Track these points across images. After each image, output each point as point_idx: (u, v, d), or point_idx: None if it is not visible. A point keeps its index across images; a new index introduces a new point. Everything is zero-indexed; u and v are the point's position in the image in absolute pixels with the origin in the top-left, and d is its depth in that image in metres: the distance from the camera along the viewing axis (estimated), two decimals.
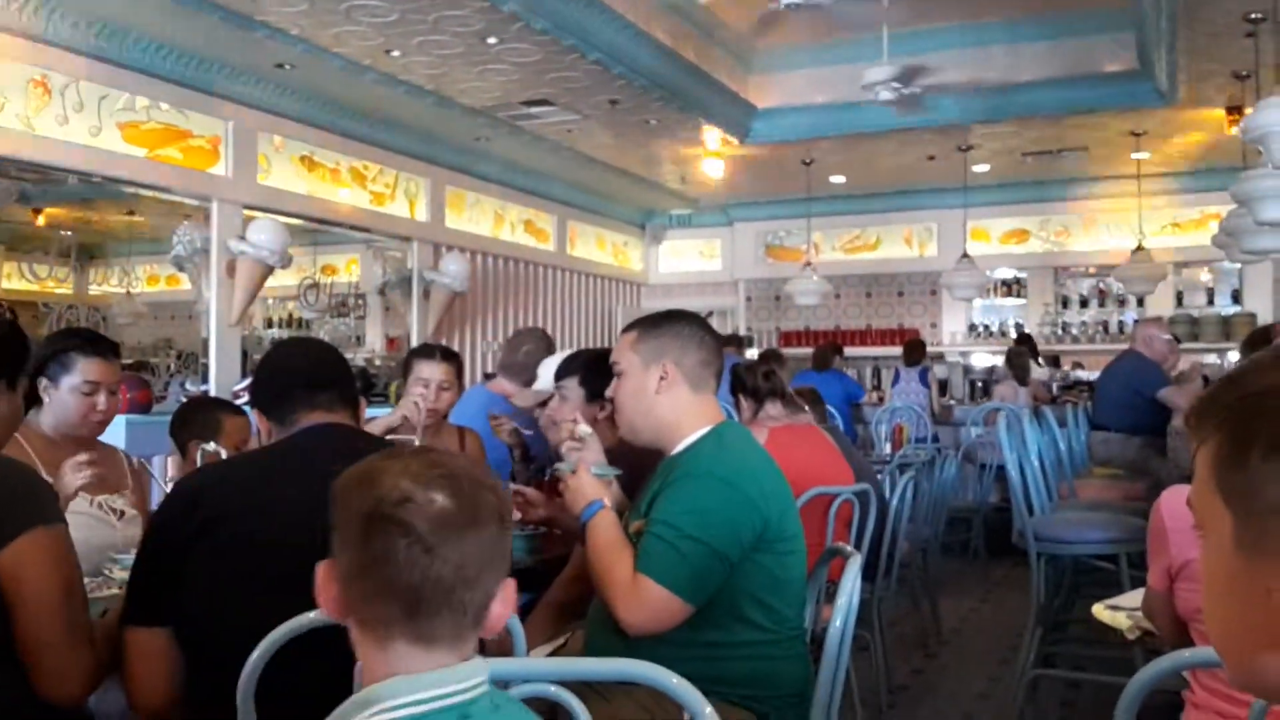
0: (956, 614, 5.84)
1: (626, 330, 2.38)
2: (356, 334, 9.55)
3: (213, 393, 6.30)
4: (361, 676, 1.17)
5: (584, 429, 2.36)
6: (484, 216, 9.35)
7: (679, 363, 2.25)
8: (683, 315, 2.36)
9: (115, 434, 4.68)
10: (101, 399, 2.73)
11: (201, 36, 6.00)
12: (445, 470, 1.14)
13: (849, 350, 10.98)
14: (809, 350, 9.83)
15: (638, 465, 2.46)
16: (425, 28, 5.94)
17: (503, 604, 1.18)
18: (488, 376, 6.52)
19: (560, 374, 3.30)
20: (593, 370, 3.21)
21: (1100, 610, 2.41)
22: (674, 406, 2.26)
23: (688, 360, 2.26)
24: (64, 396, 2.68)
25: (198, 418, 3.26)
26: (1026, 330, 10.44)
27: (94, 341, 2.81)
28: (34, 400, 2.71)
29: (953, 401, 9.24)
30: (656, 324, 2.33)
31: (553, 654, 2.51)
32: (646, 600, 2.03)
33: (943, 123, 8.20)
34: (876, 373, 10.96)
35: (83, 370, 2.69)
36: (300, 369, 2.04)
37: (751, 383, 3.82)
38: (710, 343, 2.30)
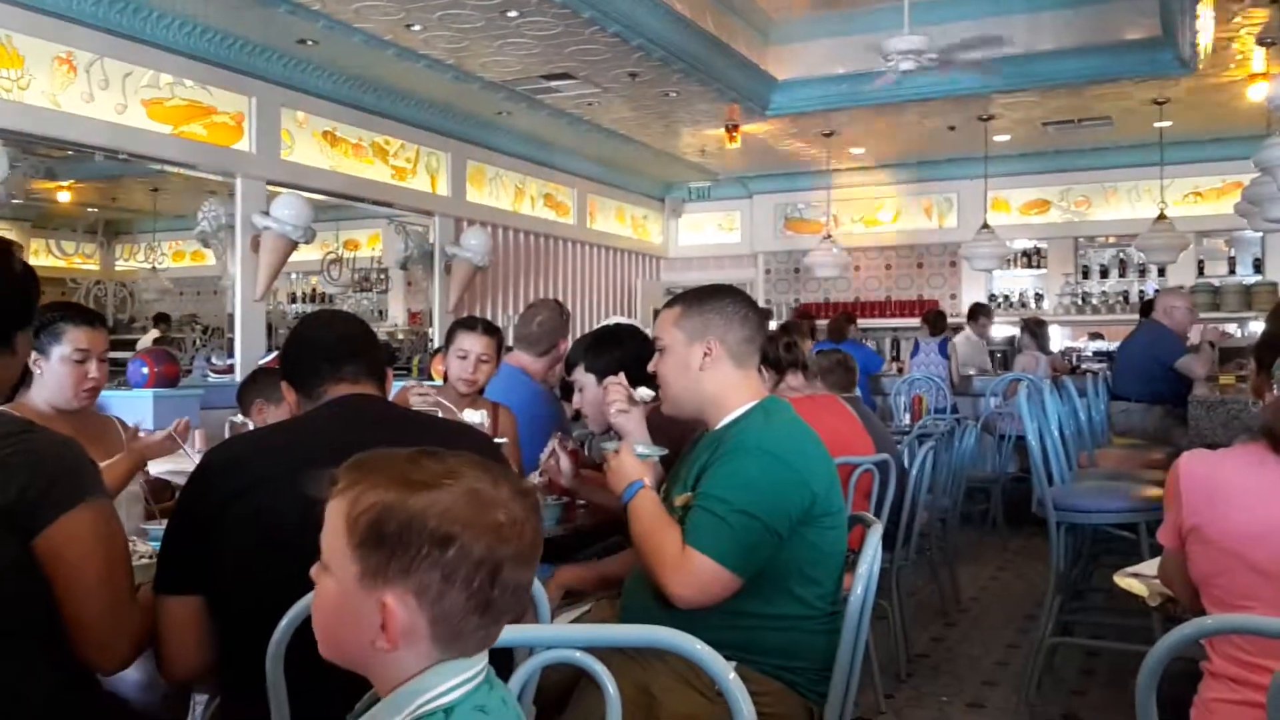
0: (975, 583, 5.87)
1: (669, 305, 2.36)
2: (379, 308, 9.61)
3: (238, 367, 6.39)
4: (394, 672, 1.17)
5: (645, 392, 2.43)
6: (504, 191, 9.38)
7: (723, 339, 2.25)
8: (726, 291, 2.35)
9: (143, 408, 4.78)
10: (92, 366, 2.77)
11: (225, 13, 6.04)
12: (519, 488, 1.17)
13: (869, 322, 10.99)
14: (825, 322, 9.85)
15: (675, 439, 2.49)
16: (446, 2, 5.95)
17: None
18: (507, 349, 6.58)
19: (569, 367, 3.34)
20: (593, 351, 3.25)
21: (1121, 578, 2.43)
22: (718, 382, 2.26)
23: (731, 337, 2.26)
24: (55, 367, 2.73)
25: (265, 381, 3.37)
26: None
27: (80, 310, 2.86)
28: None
29: (972, 372, 9.24)
30: (700, 299, 2.31)
31: (575, 622, 2.55)
32: (696, 573, 2.05)
33: (963, 93, 8.16)
34: (895, 344, 10.95)
35: (72, 339, 2.74)
36: (326, 342, 2.05)
37: (773, 354, 3.84)
38: (754, 319, 2.30)
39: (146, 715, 2.23)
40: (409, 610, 1.11)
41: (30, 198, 7.22)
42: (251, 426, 2.92)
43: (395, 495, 1.12)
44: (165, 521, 2.51)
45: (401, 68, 7.06)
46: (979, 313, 9.33)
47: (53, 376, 2.73)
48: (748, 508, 2.06)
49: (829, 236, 9.98)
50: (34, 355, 2.67)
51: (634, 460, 2.28)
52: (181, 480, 2.65)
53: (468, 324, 3.74)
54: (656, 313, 2.45)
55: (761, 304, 11.16)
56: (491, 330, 3.71)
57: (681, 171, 11.24)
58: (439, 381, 4.37)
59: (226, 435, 2.83)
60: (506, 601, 1.13)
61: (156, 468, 2.78)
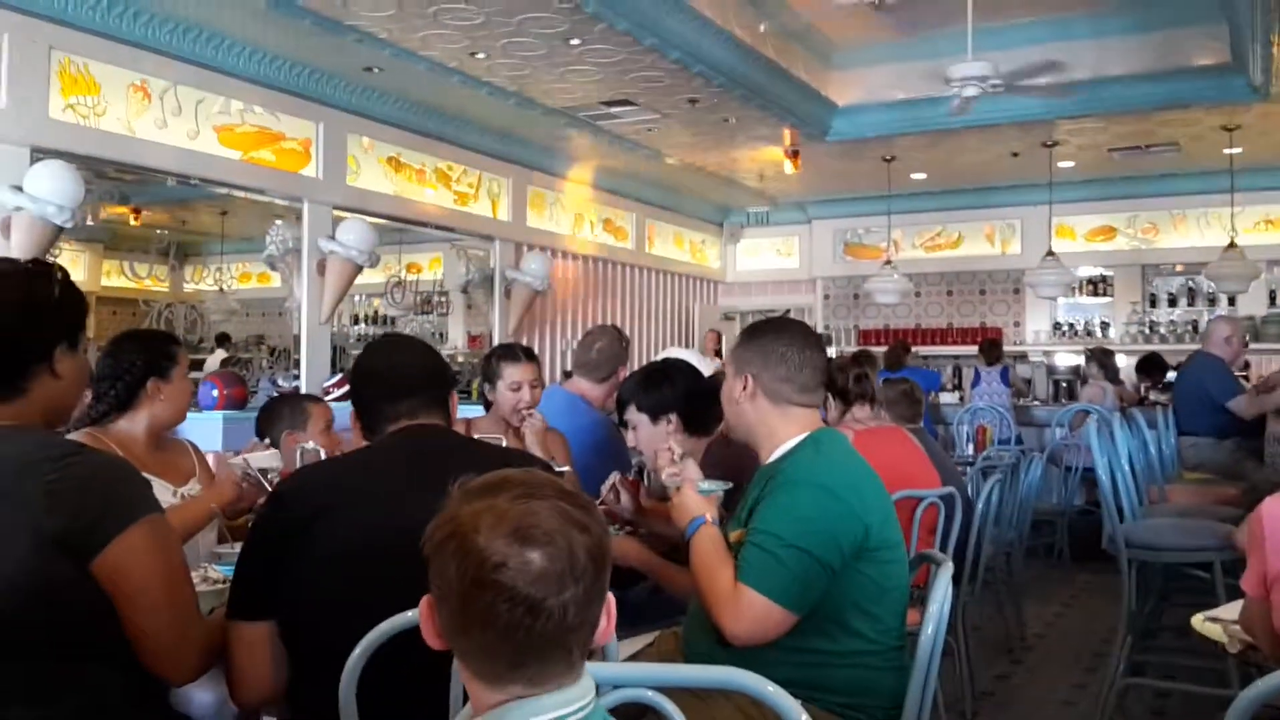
0: (1041, 619, 5.76)
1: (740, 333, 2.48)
2: (440, 330, 9.69)
3: (304, 388, 6.47)
4: (470, 701, 1.18)
5: (679, 452, 2.47)
6: (564, 216, 9.44)
7: (758, 377, 2.30)
8: (777, 328, 2.40)
9: (213, 431, 4.84)
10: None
11: (293, 41, 6.16)
12: (538, 520, 1.12)
13: (929, 349, 10.90)
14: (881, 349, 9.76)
15: (735, 474, 2.49)
16: (510, 30, 6.01)
17: (606, 618, 1.19)
18: (566, 375, 6.59)
19: (620, 407, 3.35)
20: (643, 389, 3.26)
21: (1199, 622, 2.37)
22: (758, 415, 2.31)
23: (766, 375, 2.30)
24: (179, 386, 2.85)
25: (287, 409, 3.41)
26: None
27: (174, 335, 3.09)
28: (111, 408, 2.77)
29: (1036, 402, 9.10)
30: (751, 334, 2.39)
31: (638, 655, 2.54)
32: (748, 609, 2.04)
33: (1027, 118, 8.08)
34: (957, 372, 10.82)
35: (184, 360, 2.91)
36: (383, 379, 2.08)
37: (842, 383, 3.81)
38: (794, 360, 2.30)
39: None
40: (432, 616, 1.17)
41: (104, 221, 7.39)
42: (322, 454, 2.94)
43: (447, 509, 1.16)
44: (237, 544, 2.56)
45: (465, 95, 7.15)
46: (1151, 366, 8.68)
47: (177, 396, 2.84)
48: (798, 542, 2.04)
49: (889, 262, 9.91)
50: (154, 381, 2.76)
51: (697, 496, 2.29)
52: (276, 476, 2.71)
53: (510, 355, 3.71)
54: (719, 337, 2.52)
55: (820, 329, 11.13)
56: (530, 355, 3.74)
57: (740, 196, 11.23)
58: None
59: (298, 463, 2.86)
60: (488, 634, 1.11)
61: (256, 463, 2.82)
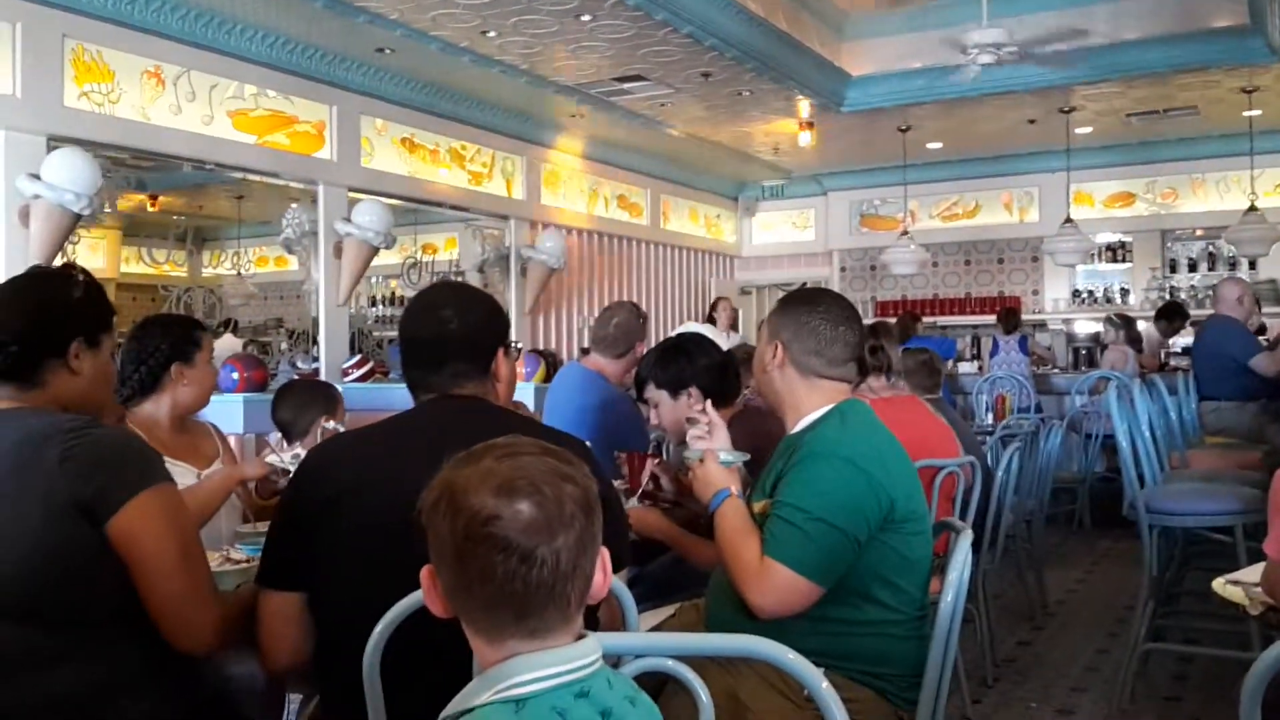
0: (1062, 586, 5.76)
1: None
2: None
3: (322, 370, 6.50)
4: (476, 662, 1.21)
5: (712, 415, 2.42)
6: (578, 193, 9.43)
7: (788, 346, 2.29)
8: (812, 301, 2.37)
9: (233, 413, 4.88)
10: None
11: (305, 24, 6.16)
12: (525, 474, 1.16)
13: (947, 319, 10.86)
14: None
15: (757, 446, 2.49)
16: (520, 7, 6.00)
17: (601, 573, 1.22)
18: (584, 352, 6.60)
19: (640, 386, 3.36)
20: (660, 365, 3.27)
21: (1221, 585, 2.37)
22: (785, 384, 2.30)
23: (796, 347, 2.29)
24: (203, 370, 2.87)
25: (321, 395, 3.41)
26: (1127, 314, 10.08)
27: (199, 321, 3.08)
28: (135, 392, 2.79)
29: (1055, 369, 9.06)
30: (787, 303, 2.38)
31: (660, 626, 2.55)
32: (775, 583, 2.04)
33: (1043, 85, 8.01)
34: (975, 341, 10.78)
35: (209, 345, 2.93)
36: (409, 352, 2.03)
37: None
38: (827, 333, 2.28)
39: (242, 708, 2.27)
40: (433, 583, 1.20)
41: (121, 208, 7.43)
42: (342, 430, 2.95)
43: (438, 478, 1.20)
44: (258, 525, 2.58)
45: (477, 74, 7.14)
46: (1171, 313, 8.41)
47: (201, 380, 2.86)
48: (823, 515, 2.04)
49: (906, 233, 9.87)
50: (177, 366, 2.79)
51: (719, 468, 2.29)
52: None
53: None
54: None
55: None
56: None
57: (755, 170, 11.19)
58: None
59: (319, 439, 2.87)
60: (487, 588, 1.13)
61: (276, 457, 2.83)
